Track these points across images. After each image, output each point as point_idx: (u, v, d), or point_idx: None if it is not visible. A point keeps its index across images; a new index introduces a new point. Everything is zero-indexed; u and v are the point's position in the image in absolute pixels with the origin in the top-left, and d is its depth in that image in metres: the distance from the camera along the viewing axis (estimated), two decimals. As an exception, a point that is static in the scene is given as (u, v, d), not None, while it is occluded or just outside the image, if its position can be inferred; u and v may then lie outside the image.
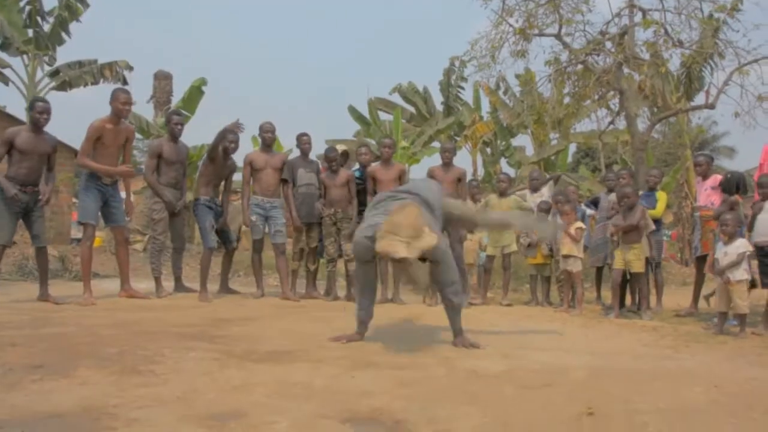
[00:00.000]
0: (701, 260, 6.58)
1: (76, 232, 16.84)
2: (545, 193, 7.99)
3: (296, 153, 7.38)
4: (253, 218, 6.87)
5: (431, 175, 7.02)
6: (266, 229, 7.03)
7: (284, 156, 7.49)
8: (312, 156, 7.40)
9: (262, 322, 4.92)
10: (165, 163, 6.63)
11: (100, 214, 6.11)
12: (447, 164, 7.05)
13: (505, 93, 19.50)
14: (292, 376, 3.00)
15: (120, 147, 6.08)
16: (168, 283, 6.98)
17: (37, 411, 2.33)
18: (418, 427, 2.31)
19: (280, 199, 7.07)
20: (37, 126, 5.71)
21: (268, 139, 7.09)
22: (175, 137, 6.74)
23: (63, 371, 2.90)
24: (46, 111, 5.73)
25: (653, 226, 6.63)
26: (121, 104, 5.95)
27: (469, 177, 8.84)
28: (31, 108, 5.78)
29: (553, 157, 18.53)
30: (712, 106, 11.16)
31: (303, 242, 7.09)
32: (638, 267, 6.13)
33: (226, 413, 2.37)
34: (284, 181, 7.01)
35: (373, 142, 17.29)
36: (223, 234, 7.07)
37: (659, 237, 7.09)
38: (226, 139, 6.74)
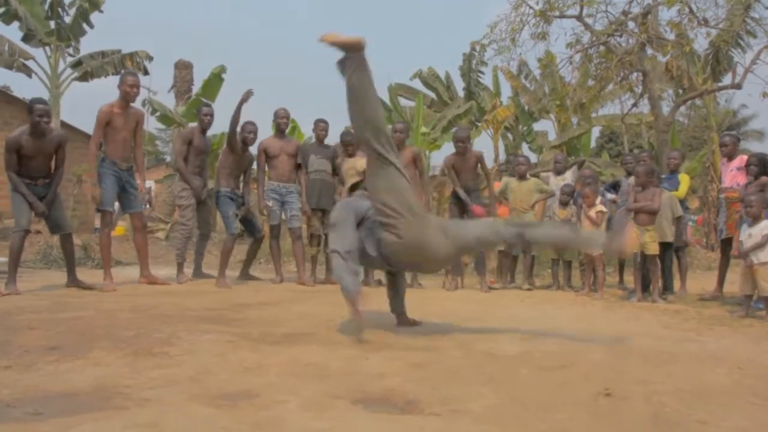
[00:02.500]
0: (726, 243, 6.44)
1: (99, 222, 17.06)
2: (569, 177, 7.88)
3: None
4: (270, 203, 6.88)
5: (448, 166, 6.90)
6: (283, 215, 7.05)
7: (298, 142, 7.48)
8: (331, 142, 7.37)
9: (280, 307, 4.92)
10: (194, 151, 6.79)
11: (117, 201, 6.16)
12: (462, 153, 6.88)
13: (526, 77, 19.26)
14: (306, 358, 2.99)
15: (131, 131, 6.09)
16: (188, 270, 7.04)
17: (50, 390, 2.34)
18: (431, 407, 2.28)
19: (296, 185, 7.07)
20: (37, 130, 5.48)
21: (282, 125, 7.08)
22: (204, 129, 6.91)
23: (78, 353, 2.92)
24: (46, 114, 5.51)
25: (680, 212, 6.49)
26: (128, 87, 5.95)
27: (490, 163, 8.76)
28: (30, 111, 5.43)
29: (575, 141, 18.28)
30: (738, 86, 10.91)
31: (314, 227, 7.07)
32: (653, 249, 6.02)
33: (238, 393, 2.36)
34: (299, 167, 7.01)
35: (393, 128, 17.17)
36: (249, 223, 7.10)
37: (683, 220, 6.95)
38: (245, 130, 6.77)
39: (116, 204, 6.43)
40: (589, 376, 2.78)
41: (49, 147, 5.64)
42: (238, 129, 6.75)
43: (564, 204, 7.16)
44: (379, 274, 7.05)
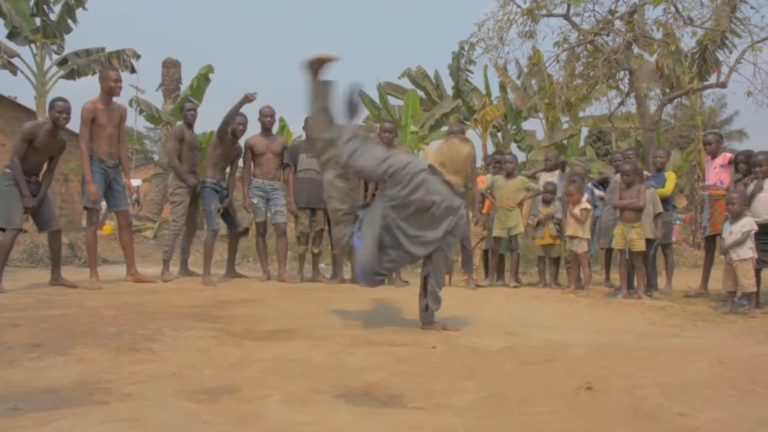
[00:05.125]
0: (710, 240, 6.51)
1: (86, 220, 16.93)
2: (555, 175, 7.90)
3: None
4: (255, 200, 6.89)
5: None
6: (268, 213, 7.07)
7: (284, 140, 7.48)
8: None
9: (265, 304, 4.92)
10: (187, 147, 6.86)
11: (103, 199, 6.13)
12: None
13: (518, 77, 19.31)
14: (290, 353, 2.98)
15: (116, 126, 6.06)
16: (174, 268, 7.02)
17: (31, 386, 2.33)
18: (413, 401, 2.28)
19: (280, 182, 7.10)
20: (57, 126, 5.66)
21: (267, 123, 7.09)
22: (189, 124, 6.97)
23: (61, 349, 2.90)
24: (66, 111, 5.67)
25: (660, 208, 6.53)
26: (112, 82, 5.93)
27: (479, 162, 8.77)
28: (51, 107, 5.69)
29: (565, 141, 18.36)
30: (723, 85, 11.00)
31: (302, 226, 7.07)
32: (639, 246, 6.06)
33: (220, 388, 2.36)
34: (286, 165, 7.01)
35: (382, 127, 17.16)
36: (228, 217, 7.09)
37: (669, 218, 6.99)
38: (235, 121, 6.76)
39: (103, 203, 6.41)
40: (572, 371, 2.80)
41: (56, 146, 5.78)
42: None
43: (547, 202, 7.19)
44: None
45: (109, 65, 6.61)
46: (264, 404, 2.17)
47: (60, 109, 5.63)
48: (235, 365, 2.74)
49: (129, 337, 3.22)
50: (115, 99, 6.06)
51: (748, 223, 5.16)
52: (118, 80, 6.00)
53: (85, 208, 6.10)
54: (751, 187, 5.58)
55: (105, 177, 5.97)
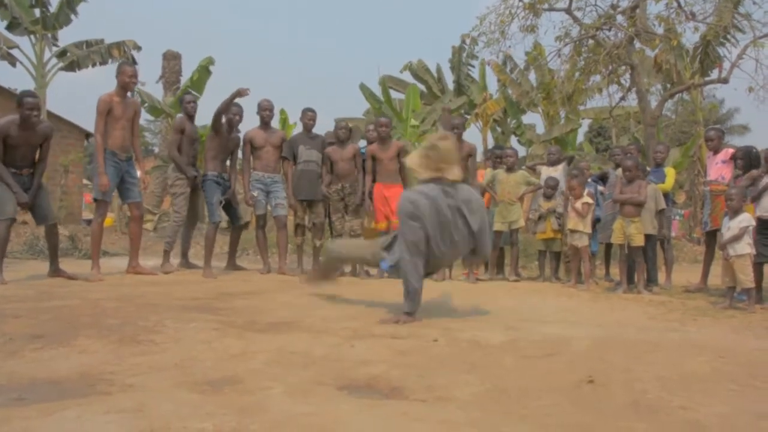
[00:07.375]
0: (711, 235, 6.51)
1: (88, 214, 16.94)
2: (560, 171, 7.89)
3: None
4: (255, 193, 6.89)
5: None
6: (269, 205, 7.07)
7: (283, 134, 7.47)
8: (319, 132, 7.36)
9: (266, 296, 4.93)
10: (187, 140, 6.84)
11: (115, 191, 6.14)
12: (457, 140, 6.87)
13: (512, 71, 19.27)
14: (292, 346, 2.99)
15: (129, 121, 6.05)
16: (174, 260, 7.02)
17: (35, 377, 2.34)
18: (415, 394, 2.30)
19: (281, 175, 7.09)
20: (27, 123, 5.46)
21: (266, 117, 7.07)
22: (190, 116, 6.94)
23: (63, 341, 2.91)
24: (36, 107, 5.49)
25: (663, 205, 6.53)
26: (127, 78, 5.94)
27: (479, 156, 8.77)
28: (19, 104, 5.40)
29: (564, 136, 18.33)
30: (725, 81, 10.98)
31: (299, 218, 7.09)
32: (638, 241, 6.06)
33: (222, 379, 2.37)
34: (284, 159, 7.01)
35: (383, 120, 17.12)
36: (231, 210, 7.09)
37: (668, 213, 6.99)
38: (230, 112, 6.74)
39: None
40: (573, 365, 2.81)
41: (36, 138, 5.63)
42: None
43: (548, 197, 7.19)
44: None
45: (126, 60, 6.62)
46: (266, 395, 2.18)
47: (30, 106, 5.41)
48: (237, 357, 2.75)
49: (131, 329, 3.23)
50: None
51: (745, 219, 5.15)
52: (133, 76, 6.01)
53: (95, 199, 6.09)
54: (765, 180, 5.52)
55: (117, 170, 5.96)
